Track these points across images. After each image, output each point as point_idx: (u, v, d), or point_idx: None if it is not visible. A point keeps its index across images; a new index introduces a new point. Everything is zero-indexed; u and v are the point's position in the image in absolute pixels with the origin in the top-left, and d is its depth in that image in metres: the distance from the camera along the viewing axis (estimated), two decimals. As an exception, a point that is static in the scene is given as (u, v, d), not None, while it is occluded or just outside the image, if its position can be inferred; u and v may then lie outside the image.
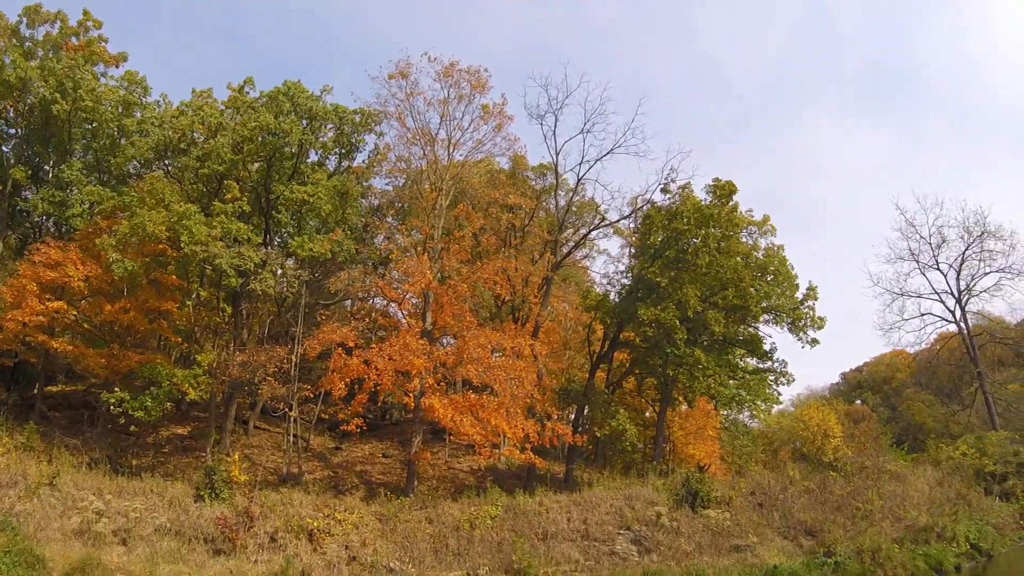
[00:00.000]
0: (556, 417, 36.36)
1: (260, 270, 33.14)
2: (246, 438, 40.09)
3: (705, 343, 37.14)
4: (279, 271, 35.80)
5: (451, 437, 39.06)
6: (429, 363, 31.34)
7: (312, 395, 35.60)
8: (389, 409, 49.88)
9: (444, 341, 38.54)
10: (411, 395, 31.93)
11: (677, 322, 32.94)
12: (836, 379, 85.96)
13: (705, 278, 34.61)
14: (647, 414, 43.27)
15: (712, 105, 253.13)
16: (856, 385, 78.36)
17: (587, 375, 38.96)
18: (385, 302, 40.25)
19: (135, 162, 39.13)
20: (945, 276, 55.38)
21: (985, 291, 54.56)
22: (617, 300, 38.10)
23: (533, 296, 38.82)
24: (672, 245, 34.84)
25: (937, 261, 55.58)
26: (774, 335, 40.60)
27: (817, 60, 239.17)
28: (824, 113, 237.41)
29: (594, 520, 29.97)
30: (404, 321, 35.31)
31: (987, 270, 54.33)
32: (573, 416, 39.19)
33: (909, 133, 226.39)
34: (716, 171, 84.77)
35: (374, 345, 31.09)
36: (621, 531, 29.67)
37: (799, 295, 38.27)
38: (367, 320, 34.79)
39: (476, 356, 31.18)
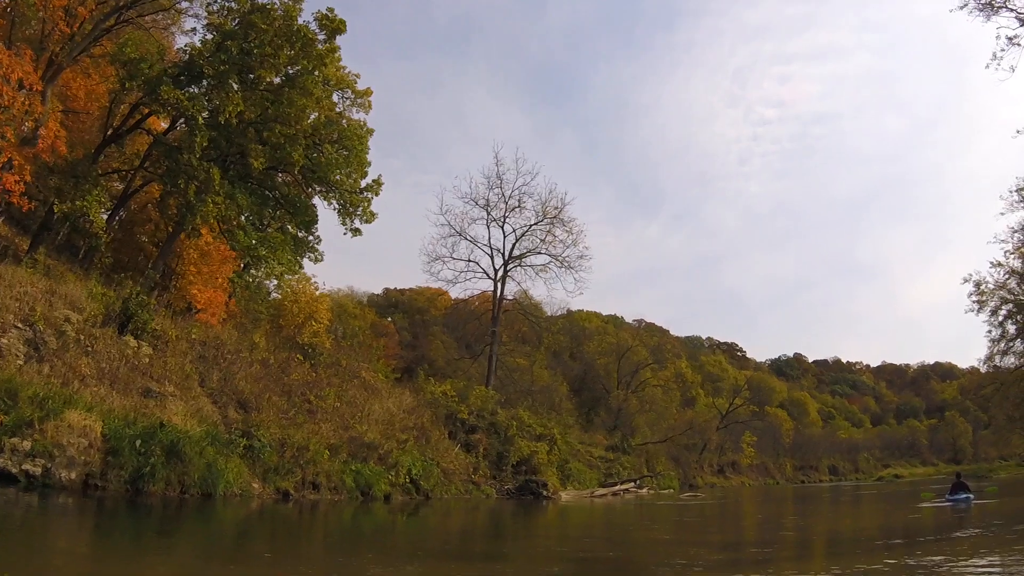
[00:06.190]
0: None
1: None
2: None
3: (252, 185, 32.65)
4: None
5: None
6: None
7: None
8: None
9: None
10: None
11: (201, 120, 27.41)
12: (380, 291, 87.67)
13: (263, 102, 29.63)
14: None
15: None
16: (394, 303, 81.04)
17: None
18: None
19: None
20: (505, 237, 57.94)
21: (532, 267, 58.13)
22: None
23: (71, 30, 29.72)
24: (241, 39, 28.98)
25: (505, 220, 57.86)
26: (321, 210, 37.31)
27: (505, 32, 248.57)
28: (493, 83, 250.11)
29: (-6, 303, 23.23)
30: None
31: (543, 251, 57.91)
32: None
33: (546, 134, 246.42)
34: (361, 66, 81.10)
35: None
36: (20, 326, 23.47)
37: (364, 183, 35.73)
38: None
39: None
